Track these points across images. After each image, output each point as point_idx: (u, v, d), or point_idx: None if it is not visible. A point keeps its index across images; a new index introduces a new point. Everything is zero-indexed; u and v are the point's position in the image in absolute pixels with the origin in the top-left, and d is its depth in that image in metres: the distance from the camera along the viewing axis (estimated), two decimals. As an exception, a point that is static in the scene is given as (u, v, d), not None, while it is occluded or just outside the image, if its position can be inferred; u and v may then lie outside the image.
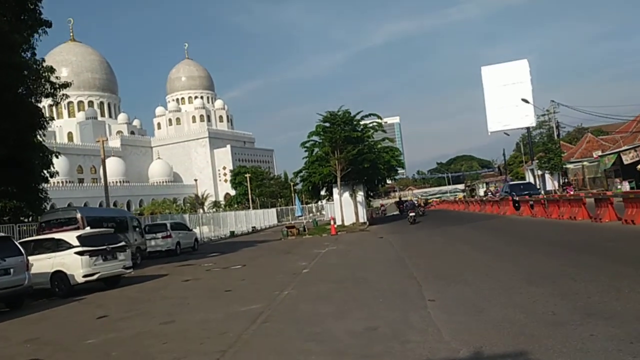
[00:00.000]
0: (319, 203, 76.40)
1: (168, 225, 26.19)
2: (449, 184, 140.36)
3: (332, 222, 31.62)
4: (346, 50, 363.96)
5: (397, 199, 63.38)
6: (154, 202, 73.35)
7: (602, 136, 57.34)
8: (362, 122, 36.66)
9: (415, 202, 45.15)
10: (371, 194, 49.85)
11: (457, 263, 12.32)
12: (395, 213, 66.34)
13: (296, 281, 12.18)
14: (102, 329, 8.76)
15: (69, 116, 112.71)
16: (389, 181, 47.91)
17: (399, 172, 44.43)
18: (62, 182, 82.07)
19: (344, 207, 36.73)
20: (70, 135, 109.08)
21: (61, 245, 13.79)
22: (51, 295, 13.63)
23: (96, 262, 13.67)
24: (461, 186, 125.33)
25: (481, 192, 78.28)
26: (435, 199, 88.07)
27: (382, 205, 66.58)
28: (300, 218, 36.30)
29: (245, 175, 68.36)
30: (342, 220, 36.10)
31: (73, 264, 13.39)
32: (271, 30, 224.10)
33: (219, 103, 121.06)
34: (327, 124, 34.86)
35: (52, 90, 21.46)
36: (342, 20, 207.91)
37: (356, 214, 36.61)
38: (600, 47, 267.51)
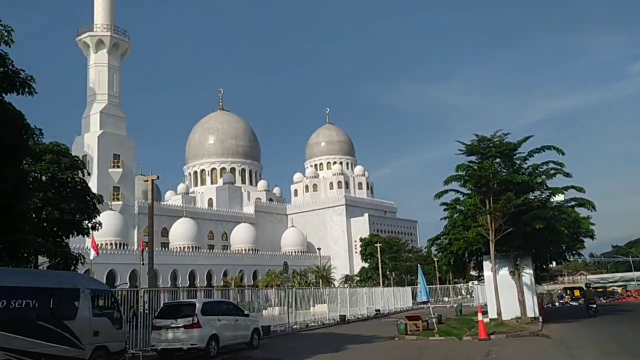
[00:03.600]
0: (470, 284, 61.81)
1: (197, 307, 15.93)
2: (632, 270, 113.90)
3: (479, 317, 18.75)
4: (503, 127, 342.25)
5: (583, 285, 47.34)
6: (270, 274, 64.85)
7: None
8: (528, 162, 24.04)
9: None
10: (540, 274, 35.45)
11: None
12: (573, 304, 50.00)
13: None
14: None
15: (212, 183, 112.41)
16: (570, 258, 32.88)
17: (584, 245, 29.72)
18: (187, 248, 78.10)
19: (500, 291, 23.73)
20: (210, 202, 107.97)
21: None
22: None
23: None
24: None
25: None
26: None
27: (561, 292, 50.82)
28: (426, 304, 23.23)
29: (377, 246, 57.20)
30: (498, 313, 23.04)
31: None
32: (422, 109, 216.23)
33: (359, 169, 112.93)
34: (474, 158, 22.85)
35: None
36: (498, 100, 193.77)
37: (521, 302, 23.34)
38: None
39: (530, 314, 23.69)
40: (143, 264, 49.49)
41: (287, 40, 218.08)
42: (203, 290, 58.71)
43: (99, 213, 22.67)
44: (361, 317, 36.44)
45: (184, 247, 78.31)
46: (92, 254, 45.95)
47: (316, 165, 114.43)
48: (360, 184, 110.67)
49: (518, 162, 23.73)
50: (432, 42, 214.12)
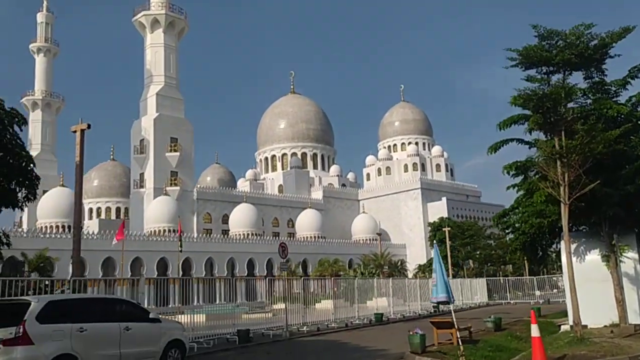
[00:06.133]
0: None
1: (32, 308, 9.50)
2: None
3: (533, 330, 10.87)
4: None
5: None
6: (322, 262, 58.40)
7: None
8: (630, 88, 15.58)
9: None
10: None
11: None
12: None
13: None
14: None
15: (282, 168, 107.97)
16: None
17: None
18: (247, 235, 73.50)
19: (586, 285, 15.70)
20: (280, 188, 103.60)
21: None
22: None
23: None
24: None
25: None
26: None
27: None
28: (446, 304, 14.75)
29: (445, 230, 48.89)
30: (575, 320, 14.93)
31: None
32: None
33: (436, 150, 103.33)
34: (535, 72, 14.39)
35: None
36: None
37: (619, 302, 15.18)
38: None
39: (634, 319, 15.47)
40: (181, 251, 45.02)
41: (360, 19, 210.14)
42: (243, 279, 53.67)
43: (34, 180, 17.42)
44: (412, 314, 29.09)
45: (245, 234, 73.84)
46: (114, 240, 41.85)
47: (389, 146, 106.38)
48: (438, 166, 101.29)
49: (612, 87, 15.38)
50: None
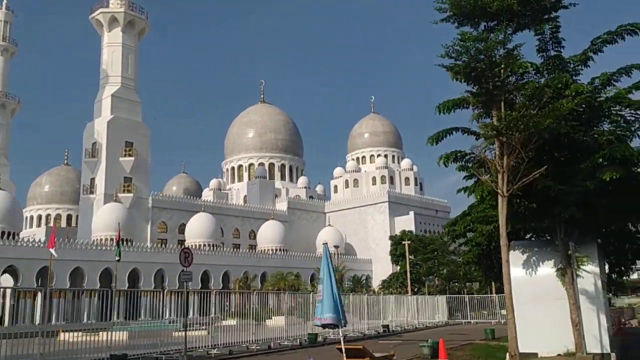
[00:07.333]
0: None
1: None
2: None
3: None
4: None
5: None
6: (276, 275, 55.01)
7: None
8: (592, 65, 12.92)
9: None
10: (617, 278, 22.80)
11: None
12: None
13: None
14: None
15: (249, 178, 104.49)
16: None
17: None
18: (202, 245, 69.62)
19: (535, 303, 12.89)
20: (245, 199, 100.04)
21: None
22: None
23: None
24: None
25: None
26: None
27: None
28: (334, 327, 11.31)
29: (405, 243, 46.00)
30: (515, 346, 12.03)
31: None
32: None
33: (405, 163, 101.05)
34: (470, 29, 11.49)
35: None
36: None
37: (576, 325, 12.35)
38: None
39: (594, 347, 12.62)
40: (118, 261, 41.26)
41: (329, 29, 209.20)
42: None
43: None
44: (352, 335, 25.93)
45: (201, 245, 69.99)
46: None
47: (358, 158, 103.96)
48: (407, 179, 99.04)
49: (571, 64, 12.66)
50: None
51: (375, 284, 73.20)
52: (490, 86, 10.57)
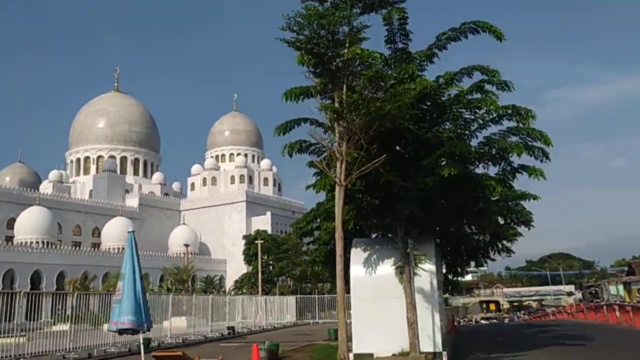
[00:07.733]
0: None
1: None
2: (549, 284, 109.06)
3: None
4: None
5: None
6: (117, 275, 51.34)
7: None
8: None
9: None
10: (453, 278, 23.64)
11: None
12: (493, 319, 40.43)
13: None
14: None
15: (97, 172, 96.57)
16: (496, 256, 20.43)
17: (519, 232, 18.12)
18: (34, 242, 62.58)
19: (374, 302, 12.48)
20: (92, 193, 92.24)
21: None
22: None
23: None
24: (567, 287, 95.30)
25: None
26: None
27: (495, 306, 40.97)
28: (136, 332, 10.31)
29: (257, 243, 45.16)
30: (345, 349, 11.57)
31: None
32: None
33: (265, 163, 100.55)
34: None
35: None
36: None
37: (411, 324, 12.11)
38: None
39: (427, 346, 12.48)
40: None
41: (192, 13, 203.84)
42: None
43: None
44: (191, 339, 24.20)
45: (31, 242, 62.83)
46: None
47: (217, 156, 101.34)
48: (265, 179, 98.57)
49: (417, 59, 12.46)
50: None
51: (229, 284, 71.39)
52: (333, 67, 9.87)
